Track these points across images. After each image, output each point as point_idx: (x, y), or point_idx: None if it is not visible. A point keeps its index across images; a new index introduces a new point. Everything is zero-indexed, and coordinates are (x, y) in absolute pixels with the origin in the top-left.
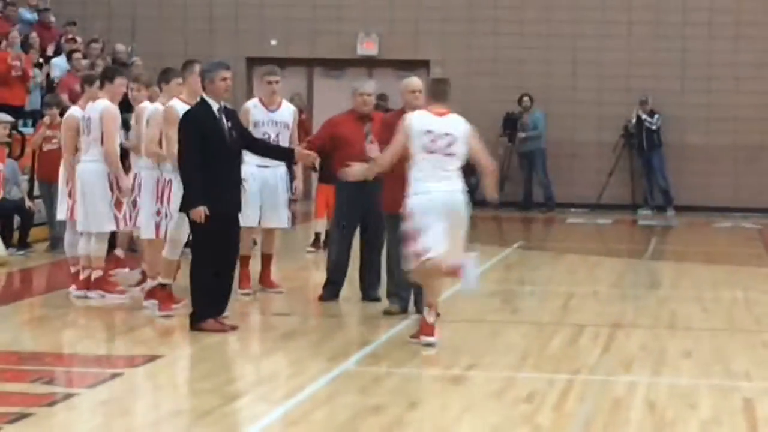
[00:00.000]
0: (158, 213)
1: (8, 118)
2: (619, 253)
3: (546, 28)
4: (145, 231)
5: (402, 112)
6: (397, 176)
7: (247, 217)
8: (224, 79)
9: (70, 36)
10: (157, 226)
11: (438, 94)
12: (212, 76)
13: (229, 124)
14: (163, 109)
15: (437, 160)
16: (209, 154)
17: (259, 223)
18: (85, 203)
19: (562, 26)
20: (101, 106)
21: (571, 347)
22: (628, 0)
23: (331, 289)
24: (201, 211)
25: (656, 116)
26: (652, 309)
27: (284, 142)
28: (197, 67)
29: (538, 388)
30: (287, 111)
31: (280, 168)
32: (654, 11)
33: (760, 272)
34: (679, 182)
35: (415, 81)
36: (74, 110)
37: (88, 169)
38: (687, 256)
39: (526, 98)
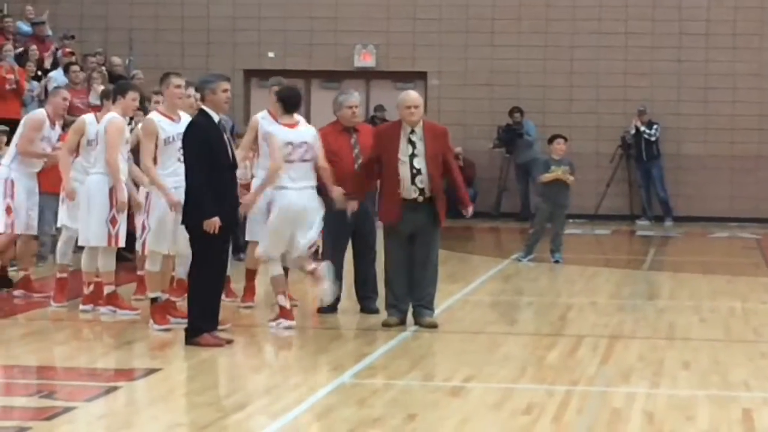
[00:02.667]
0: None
1: (3, 127)
2: (617, 264)
3: (543, 39)
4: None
5: (398, 124)
6: (392, 188)
7: (256, 232)
8: (225, 90)
9: (68, 50)
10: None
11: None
12: (214, 87)
13: (227, 137)
14: (142, 121)
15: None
16: (213, 165)
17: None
18: (88, 216)
19: (559, 37)
20: (107, 118)
21: (570, 358)
22: (624, 11)
23: None
24: (215, 222)
25: (655, 126)
26: (651, 320)
27: None
28: (173, 80)
29: (536, 399)
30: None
31: None
32: (650, 22)
33: (757, 282)
34: (676, 192)
35: (413, 96)
36: (87, 116)
37: (94, 180)
38: (685, 266)
39: (517, 114)
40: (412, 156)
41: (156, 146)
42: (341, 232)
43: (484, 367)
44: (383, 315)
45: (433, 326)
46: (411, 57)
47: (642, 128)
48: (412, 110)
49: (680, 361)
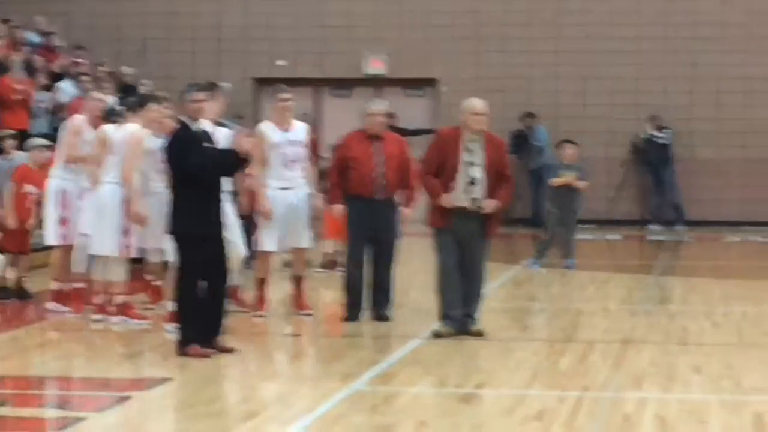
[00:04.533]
0: None
1: (45, 141)
2: (628, 269)
3: (554, 45)
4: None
5: (459, 129)
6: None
7: (268, 242)
8: (196, 100)
9: (73, 59)
10: None
11: None
12: (185, 97)
13: (208, 145)
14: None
15: None
16: (192, 175)
17: (279, 245)
18: (99, 225)
19: (571, 43)
20: (130, 129)
21: (582, 364)
22: (636, 15)
23: (353, 309)
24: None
25: (666, 131)
26: (663, 325)
27: (301, 161)
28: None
29: (548, 405)
30: (301, 129)
31: (301, 189)
32: (663, 26)
33: None
34: (688, 197)
35: (481, 103)
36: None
37: (106, 190)
38: (697, 270)
39: (528, 119)
40: (471, 164)
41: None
42: (360, 237)
43: (496, 374)
44: (397, 323)
45: (479, 334)
46: (422, 64)
47: (654, 132)
48: (479, 118)
49: (692, 365)
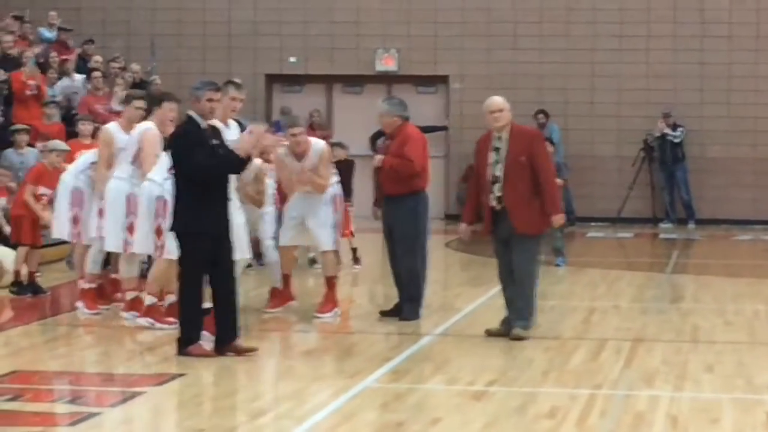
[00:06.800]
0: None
1: (65, 147)
2: (640, 267)
3: (564, 43)
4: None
5: (490, 132)
6: (482, 196)
7: (282, 237)
8: (210, 99)
9: (91, 55)
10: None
11: None
12: (199, 95)
13: (216, 142)
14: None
15: None
16: (193, 171)
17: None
18: (107, 221)
19: (581, 40)
20: (143, 127)
21: (593, 362)
22: (646, 13)
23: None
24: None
25: (679, 129)
26: (674, 323)
27: None
28: (231, 89)
29: (560, 403)
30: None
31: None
32: (672, 24)
33: None
34: (699, 195)
35: (496, 101)
36: (111, 126)
37: (113, 186)
38: (708, 269)
39: (540, 115)
40: (495, 163)
41: None
42: (386, 236)
43: (507, 372)
44: (422, 321)
45: (517, 338)
46: (433, 61)
47: (667, 130)
48: (495, 115)
49: (704, 364)
